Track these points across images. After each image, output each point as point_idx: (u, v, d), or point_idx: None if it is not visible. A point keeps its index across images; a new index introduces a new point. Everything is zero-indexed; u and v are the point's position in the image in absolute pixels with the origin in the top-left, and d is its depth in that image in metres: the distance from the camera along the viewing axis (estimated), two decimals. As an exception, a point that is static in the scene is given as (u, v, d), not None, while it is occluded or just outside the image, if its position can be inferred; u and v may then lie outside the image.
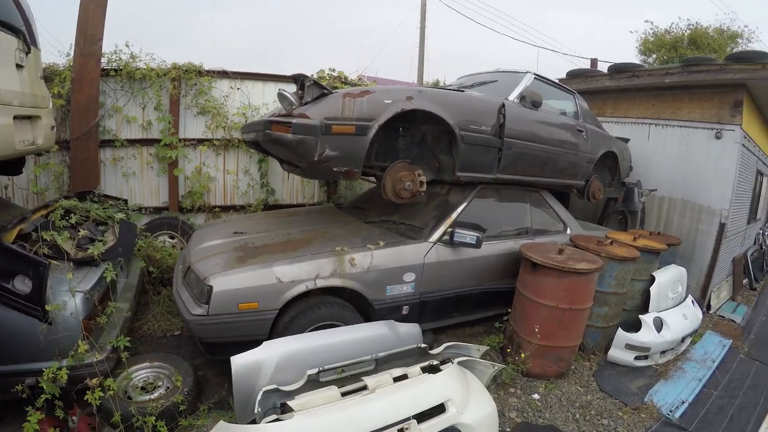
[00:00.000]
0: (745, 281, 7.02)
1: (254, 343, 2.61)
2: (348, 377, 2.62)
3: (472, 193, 3.81)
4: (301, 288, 2.93)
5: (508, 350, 3.54)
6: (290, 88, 5.33)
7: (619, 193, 5.46)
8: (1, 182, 4.67)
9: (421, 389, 2.35)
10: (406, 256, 3.31)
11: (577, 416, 3.12)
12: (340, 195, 6.00)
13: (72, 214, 3.34)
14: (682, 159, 5.47)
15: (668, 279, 4.30)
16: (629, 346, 3.80)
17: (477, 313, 3.94)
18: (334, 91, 3.10)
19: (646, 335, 3.84)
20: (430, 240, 3.46)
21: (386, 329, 3.00)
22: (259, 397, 2.35)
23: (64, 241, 2.94)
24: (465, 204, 3.72)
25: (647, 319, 3.92)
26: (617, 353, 3.83)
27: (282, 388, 2.41)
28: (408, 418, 2.20)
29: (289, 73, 5.47)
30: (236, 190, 5.55)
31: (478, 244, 3.39)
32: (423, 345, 2.90)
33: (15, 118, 2.94)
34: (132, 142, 5.03)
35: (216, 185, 5.46)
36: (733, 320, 5.52)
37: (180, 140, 5.12)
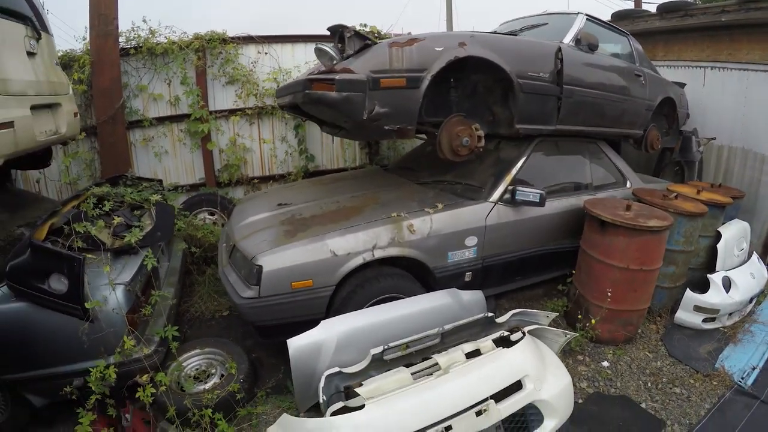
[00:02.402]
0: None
1: (310, 323, 2.46)
2: (413, 353, 2.47)
3: (529, 146, 3.52)
4: (358, 261, 2.73)
5: (579, 315, 3.32)
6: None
7: (676, 142, 5.09)
8: (33, 176, 4.58)
9: (497, 366, 2.19)
10: (467, 219, 3.09)
11: (649, 384, 2.96)
12: (383, 156, 5.72)
13: (105, 202, 3.17)
14: (741, 104, 5.00)
15: (734, 235, 3.97)
16: (697, 308, 3.55)
17: (539, 276, 3.72)
18: (377, 41, 2.82)
19: (715, 296, 3.57)
20: (491, 200, 3.21)
21: (449, 298, 2.82)
22: (322, 383, 2.20)
23: (99, 231, 2.77)
24: (524, 159, 3.44)
25: (716, 278, 3.63)
26: (685, 315, 3.59)
27: (345, 370, 2.26)
28: (485, 399, 2.04)
29: (316, 32, 5.26)
30: (274, 160, 5.35)
31: (541, 202, 3.13)
32: (490, 314, 2.71)
33: (33, 108, 2.80)
34: (161, 120, 4.89)
35: (252, 156, 5.28)
36: (802, 276, 5.17)
37: (210, 113, 4.93)
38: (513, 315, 2.90)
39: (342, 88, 2.55)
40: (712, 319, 3.60)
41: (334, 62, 2.74)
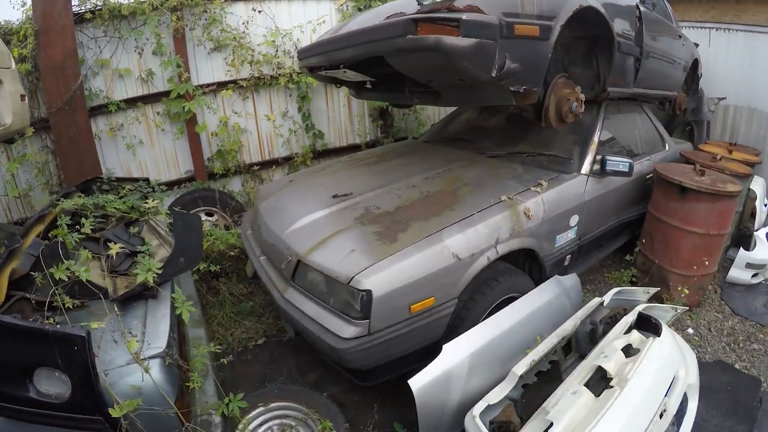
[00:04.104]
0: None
1: (420, 351, 2.03)
2: (542, 360, 2.09)
3: (601, 110, 3.19)
4: (482, 262, 2.20)
5: (679, 289, 3.15)
6: (322, 7, 4.37)
7: (695, 103, 5.09)
8: None
9: (662, 361, 1.98)
10: (570, 196, 2.72)
11: (732, 345, 3.02)
12: (398, 128, 5.06)
13: (83, 219, 2.04)
14: (748, 65, 5.07)
15: (762, 192, 4.12)
16: (749, 265, 3.66)
17: (609, 249, 3.48)
18: None
19: (764, 251, 3.68)
20: (583, 172, 2.86)
21: (557, 288, 2.50)
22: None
23: (85, 265, 1.78)
24: (600, 124, 3.11)
25: (761, 235, 3.77)
26: (737, 273, 3.69)
27: (491, 401, 1.81)
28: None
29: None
30: (278, 140, 4.52)
31: (630, 172, 2.84)
32: (601, 298, 2.44)
33: None
34: (131, 102, 3.89)
35: (249, 138, 4.40)
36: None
37: (195, 87, 4.00)
38: (614, 295, 2.67)
39: (470, 33, 1.88)
40: (756, 274, 3.76)
41: None
